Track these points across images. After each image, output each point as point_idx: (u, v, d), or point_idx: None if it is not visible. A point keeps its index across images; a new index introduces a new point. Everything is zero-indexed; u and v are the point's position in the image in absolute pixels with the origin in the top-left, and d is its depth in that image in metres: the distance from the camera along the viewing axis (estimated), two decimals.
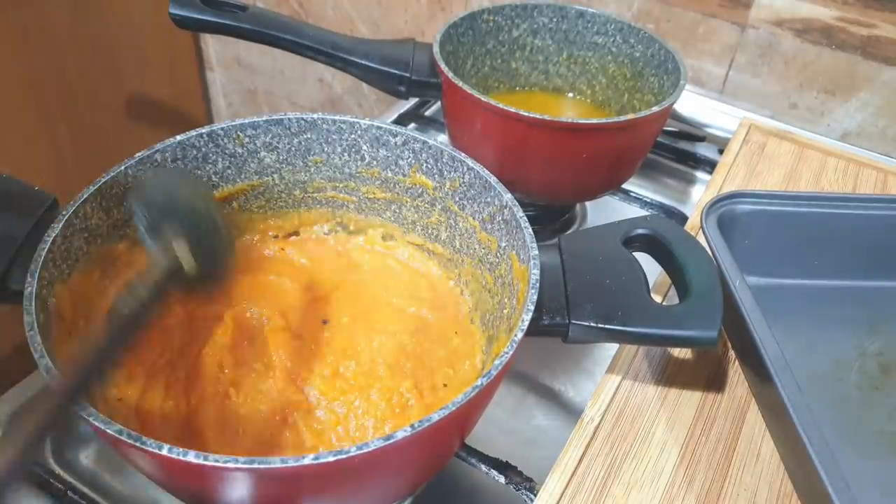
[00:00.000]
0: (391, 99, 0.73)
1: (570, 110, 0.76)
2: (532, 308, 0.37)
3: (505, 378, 0.37)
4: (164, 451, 0.30)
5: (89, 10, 1.03)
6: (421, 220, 0.52)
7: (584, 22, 0.72)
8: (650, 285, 0.43)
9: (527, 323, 0.36)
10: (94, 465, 0.48)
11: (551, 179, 0.62)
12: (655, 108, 0.58)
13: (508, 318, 0.43)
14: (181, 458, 0.29)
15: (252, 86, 1.30)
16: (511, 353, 0.35)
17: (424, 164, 0.49)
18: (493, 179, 0.45)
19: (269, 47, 0.65)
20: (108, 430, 0.30)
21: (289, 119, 0.49)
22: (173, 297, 0.41)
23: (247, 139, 0.49)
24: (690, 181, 0.80)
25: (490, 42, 0.73)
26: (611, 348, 0.50)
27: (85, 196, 0.41)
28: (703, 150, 0.81)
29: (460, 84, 0.58)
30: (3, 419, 0.48)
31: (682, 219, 0.70)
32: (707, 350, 0.49)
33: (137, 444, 0.30)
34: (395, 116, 0.83)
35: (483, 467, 0.47)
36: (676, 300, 0.43)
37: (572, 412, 0.55)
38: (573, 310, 0.41)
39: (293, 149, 0.50)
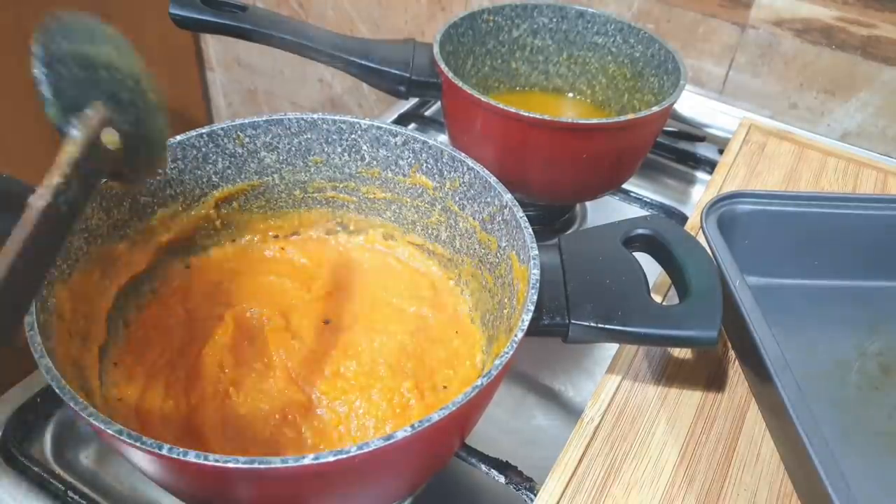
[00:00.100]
0: (391, 99, 0.73)
1: (570, 110, 0.76)
2: (532, 308, 0.37)
3: (505, 378, 0.37)
4: (164, 451, 0.30)
5: (89, 10, 1.03)
6: (421, 220, 0.52)
7: (584, 22, 0.72)
8: (650, 285, 0.43)
9: (527, 323, 0.36)
10: (94, 465, 0.48)
11: (551, 179, 0.62)
12: (655, 108, 0.58)
13: (508, 318, 0.43)
14: (181, 458, 0.29)
15: (252, 86, 1.30)
16: (511, 353, 0.35)
17: (424, 164, 0.49)
18: (493, 179, 0.45)
19: (269, 47, 0.65)
20: (108, 430, 0.30)
21: (289, 119, 0.49)
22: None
23: (247, 139, 0.49)
24: (690, 181, 0.80)
25: (490, 42, 0.73)
26: (611, 348, 0.50)
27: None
28: (703, 150, 0.81)
29: (460, 84, 0.58)
30: (3, 419, 0.48)
31: (682, 219, 0.70)
32: (707, 350, 0.49)
33: (137, 444, 0.30)
34: (395, 116, 0.83)
35: (483, 467, 0.47)
36: (676, 300, 0.43)
37: (572, 412, 0.55)
38: (573, 310, 0.41)
39: (293, 149, 0.50)
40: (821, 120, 0.79)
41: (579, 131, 0.58)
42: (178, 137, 0.46)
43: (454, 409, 0.32)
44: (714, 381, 0.47)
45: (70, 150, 0.27)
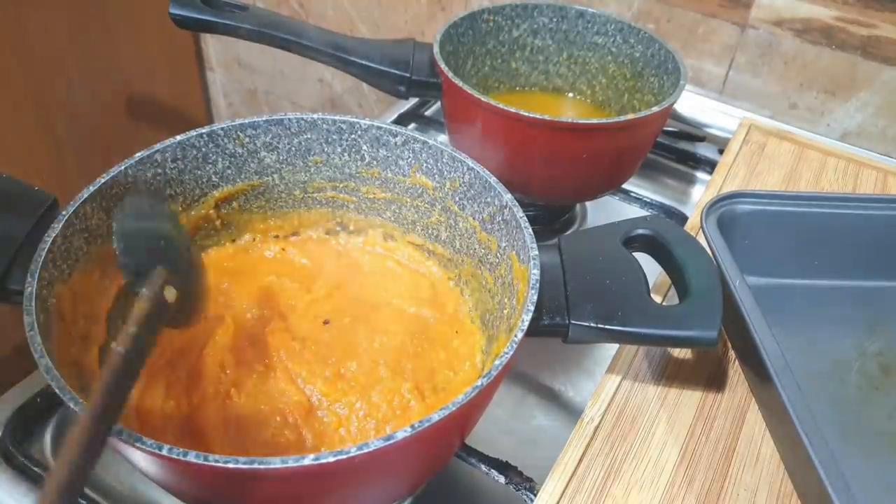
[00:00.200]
0: (391, 99, 0.73)
1: (570, 110, 0.76)
2: (532, 308, 0.37)
3: (505, 378, 0.37)
4: (164, 452, 0.30)
5: (89, 10, 1.03)
6: (421, 221, 0.52)
7: (584, 22, 0.72)
8: (650, 285, 0.43)
9: (527, 323, 0.36)
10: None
11: (551, 179, 0.62)
12: (655, 108, 0.58)
13: (508, 319, 0.43)
14: (181, 458, 0.30)
15: (252, 86, 1.30)
16: (511, 353, 0.35)
17: (424, 164, 0.49)
18: (492, 179, 0.45)
19: (269, 47, 0.65)
20: None
21: (289, 119, 0.49)
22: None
23: (247, 139, 0.49)
24: (690, 181, 0.80)
25: (490, 42, 0.73)
26: (611, 348, 0.50)
27: (85, 196, 0.41)
28: (703, 150, 0.81)
29: (460, 84, 0.58)
30: (3, 419, 0.48)
31: (682, 219, 0.70)
32: (707, 350, 0.49)
33: (137, 445, 0.30)
34: (395, 116, 0.83)
35: (483, 467, 0.47)
36: (676, 300, 0.43)
37: (572, 412, 0.55)
38: (573, 310, 0.41)
39: (293, 149, 0.50)
40: (821, 120, 0.79)
41: (579, 131, 0.58)
42: (178, 137, 0.46)
43: (454, 409, 0.32)
44: (714, 381, 0.47)
45: (142, 306, 0.34)
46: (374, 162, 0.51)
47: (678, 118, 0.82)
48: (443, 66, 0.61)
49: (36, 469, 0.46)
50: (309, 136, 0.50)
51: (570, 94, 0.77)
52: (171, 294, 0.36)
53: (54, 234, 0.39)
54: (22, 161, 1.02)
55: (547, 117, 0.56)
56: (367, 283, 0.51)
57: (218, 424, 0.41)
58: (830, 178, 0.66)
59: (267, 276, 0.51)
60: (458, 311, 0.50)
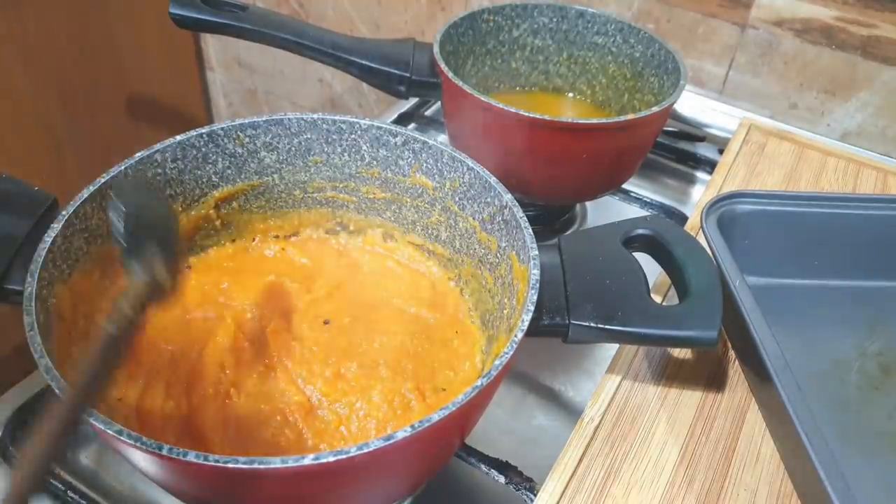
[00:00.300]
0: (391, 99, 0.73)
1: (570, 110, 0.76)
2: (532, 308, 0.37)
3: (505, 378, 0.37)
4: (164, 452, 0.30)
5: (89, 9, 1.03)
6: (421, 221, 0.52)
7: (585, 22, 0.72)
8: (650, 285, 0.43)
9: (527, 323, 0.36)
10: (94, 465, 0.48)
11: (551, 179, 0.62)
12: (655, 108, 0.58)
13: (508, 319, 0.43)
14: (181, 458, 0.30)
15: (252, 86, 1.30)
16: (511, 353, 0.35)
17: (424, 164, 0.49)
18: (493, 179, 0.45)
19: (269, 47, 0.65)
20: (108, 430, 0.30)
21: (289, 119, 0.49)
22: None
23: (247, 139, 0.49)
24: (690, 181, 0.80)
25: (490, 42, 0.73)
26: (611, 348, 0.50)
27: (85, 196, 0.41)
28: (703, 150, 0.81)
29: (460, 84, 0.58)
30: (3, 419, 0.48)
31: (682, 219, 0.70)
32: (707, 350, 0.49)
33: (137, 445, 0.30)
34: (395, 116, 0.83)
35: (483, 467, 0.47)
36: (676, 300, 0.43)
37: (572, 412, 0.55)
38: (573, 310, 0.41)
39: (293, 149, 0.50)
40: (821, 120, 0.79)
41: (579, 131, 0.58)
42: (178, 137, 0.46)
43: (454, 409, 0.32)
44: (714, 381, 0.47)
45: (139, 287, 0.34)
46: (374, 162, 0.51)
47: (678, 118, 0.82)
48: (443, 66, 0.61)
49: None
50: (309, 136, 0.50)
51: (570, 94, 0.77)
52: (162, 274, 0.36)
53: (54, 234, 0.39)
54: (22, 161, 1.02)
55: (547, 117, 0.56)
56: (367, 283, 0.51)
57: (218, 424, 0.41)
58: (830, 178, 0.66)
59: (267, 275, 0.51)
60: (458, 311, 0.50)
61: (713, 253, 0.48)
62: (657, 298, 0.47)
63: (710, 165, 0.78)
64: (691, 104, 0.83)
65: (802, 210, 0.53)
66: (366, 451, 0.30)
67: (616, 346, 0.49)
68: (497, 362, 0.34)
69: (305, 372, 0.44)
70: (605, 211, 0.74)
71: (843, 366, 0.50)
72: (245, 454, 0.31)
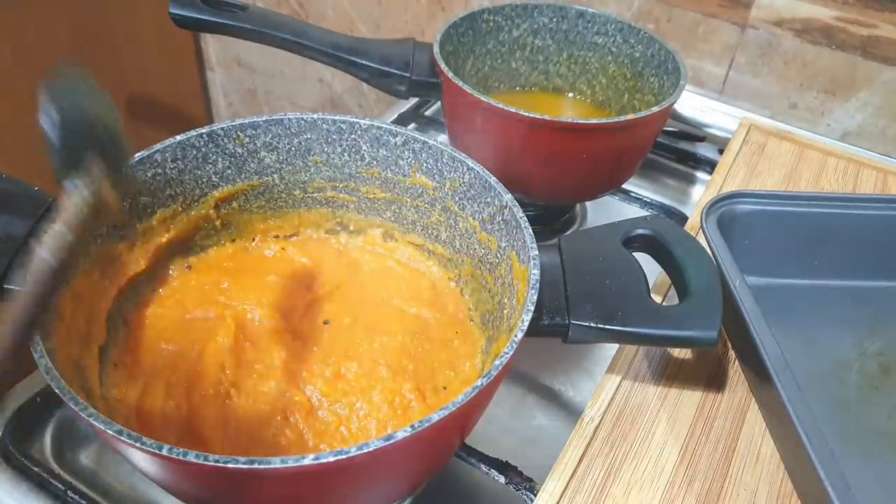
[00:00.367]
0: (391, 99, 0.73)
1: (570, 110, 0.76)
2: (532, 308, 0.37)
3: (505, 378, 0.37)
4: (164, 452, 0.30)
5: (89, 9, 1.03)
6: (421, 221, 0.52)
7: (585, 22, 0.72)
8: (650, 285, 0.43)
9: (527, 323, 0.36)
10: (94, 465, 0.48)
11: (551, 179, 0.62)
12: (655, 108, 0.58)
13: (508, 319, 0.43)
14: (181, 458, 0.29)
15: (252, 86, 1.30)
16: (511, 353, 0.35)
17: (424, 164, 0.49)
18: (493, 179, 0.45)
19: (269, 47, 0.65)
20: (108, 431, 0.30)
21: (289, 119, 0.49)
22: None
23: (247, 139, 0.49)
24: (690, 181, 0.80)
25: (490, 42, 0.73)
26: (611, 348, 0.50)
27: None
28: (703, 150, 0.81)
29: (460, 84, 0.58)
30: (3, 419, 0.48)
31: (682, 219, 0.70)
32: (707, 350, 0.49)
33: (137, 445, 0.30)
34: (395, 116, 0.83)
35: (483, 467, 0.47)
36: (676, 300, 0.43)
37: (572, 412, 0.55)
38: (573, 310, 0.41)
39: (293, 149, 0.50)
40: (821, 120, 0.79)
41: (579, 131, 0.58)
42: (178, 137, 0.46)
43: (454, 409, 0.32)
44: (714, 381, 0.47)
45: (78, 205, 0.29)
46: (374, 162, 0.51)
47: (678, 118, 0.82)
48: (443, 66, 0.61)
49: (36, 469, 0.46)
50: (309, 136, 0.50)
51: (570, 94, 0.77)
52: (108, 191, 0.31)
53: None
54: (22, 161, 1.02)
55: (547, 117, 0.56)
56: (368, 283, 0.51)
57: (218, 425, 0.41)
58: (830, 178, 0.66)
59: (267, 276, 0.51)
60: (458, 311, 0.50)
61: (713, 253, 0.48)
62: (657, 298, 0.47)
63: (710, 165, 0.78)
64: (691, 104, 0.83)
65: (802, 210, 0.53)
66: (366, 451, 0.30)
67: (616, 346, 0.49)
68: (497, 362, 0.34)
69: (305, 372, 0.44)
70: (605, 211, 0.74)
71: (843, 366, 0.50)
72: (245, 454, 0.31)
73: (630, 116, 0.57)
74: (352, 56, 0.65)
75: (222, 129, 0.48)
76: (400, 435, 0.30)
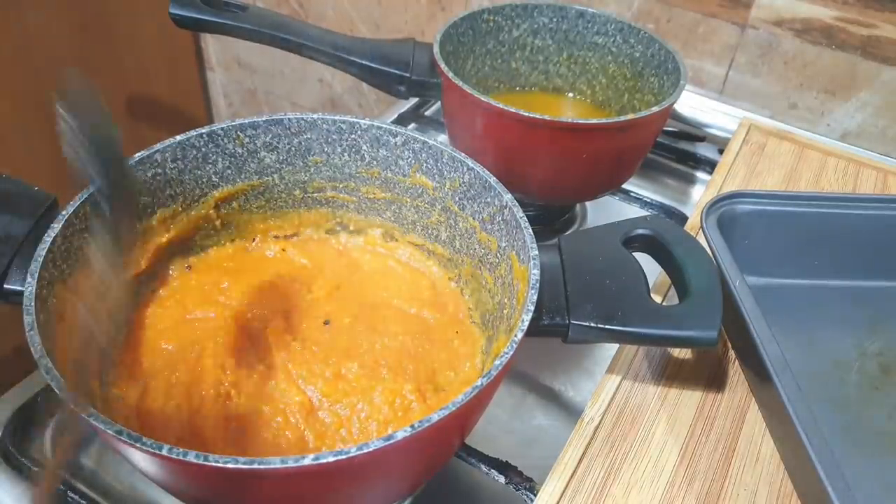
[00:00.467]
0: (391, 99, 0.73)
1: (570, 110, 0.76)
2: (532, 308, 0.37)
3: (505, 378, 0.37)
4: (164, 452, 0.30)
5: (89, 9, 1.03)
6: (421, 221, 0.52)
7: (584, 22, 0.72)
8: (650, 285, 0.43)
9: (527, 323, 0.36)
10: (94, 465, 0.48)
11: (551, 179, 0.62)
12: (655, 108, 0.58)
13: (508, 319, 0.43)
14: (181, 458, 0.29)
15: (252, 86, 1.30)
16: (511, 353, 0.35)
17: (424, 165, 0.49)
18: (493, 179, 0.45)
19: (270, 47, 0.65)
20: (108, 431, 0.30)
21: (289, 119, 0.49)
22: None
23: (247, 139, 0.49)
24: (690, 181, 0.80)
25: (490, 42, 0.73)
26: (611, 348, 0.50)
27: (85, 196, 0.41)
28: (703, 150, 0.81)
29: (460, 84, 0.58)
30: (3, 419, 0.48)
31: (682, 219, 0.70)
32: (707, 350, 0.49)
33: (137, 445, 0.30)
34: (395, 116, 0.83)
35: (483, 467, 0.47)
36: (676, 300, 0.43)
37: (572, 412, 0.55)
38: (573, 310, 0.41)
39: (293, 149, 0.50)
40: (821, 120, 0.79)
41: (579, 131, 0.58)
42: (178, 137, 0.46)
43: (454, 409, 0.32)
44: (714, 381, 0.47)
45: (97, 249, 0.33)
46: (374, 162, 0.51)
47: (678, 118, 0.82)
48: (443, 66, 0.61)
49: (36, 469, 0.46)
50: (309, 136, 0.50)
51: (570, 94, 0.77)
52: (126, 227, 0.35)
53: (54, 234, 0.39)
54: (22, 161, 1.02)
55: (547, 117, 0.55)
56: (368, 284, 0.51)
57: (218, 425, 0.41)
58: (830, 178, 0.66)
59: (267, 276, 0.51)
60: (458, 312, 0.50)
61: (713, 253, 0.48)
62: (657, 298, 0.47)
63: (710, 165, 0.78)
64: (691, 104, 0.83)
65: (802, 210, 0.53)
66: (366, 451, 0.30)
67: (616, 346, 0.49)
68: (497, 362, 0.34)
69: (306, 372, 0.44)
70: (605, 211, 0.74)
71: (843, 366, 0.50)
72: (245, 454, 0.31)
73: (630, 116, 0.57)
74: (352, 56, 0.65)
75: (222, 129, 0.48)
76: (400, 435, 0.30)
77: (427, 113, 0.86)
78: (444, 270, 0.52)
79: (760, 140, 0.70)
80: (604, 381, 0.47)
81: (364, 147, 0.50)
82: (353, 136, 0.50)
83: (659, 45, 0.67)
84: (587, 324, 0.41)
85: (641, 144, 0.63)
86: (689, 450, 0.43)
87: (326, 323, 0.48)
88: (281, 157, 0.50)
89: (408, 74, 0.65)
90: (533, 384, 0.57)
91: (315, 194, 0.53)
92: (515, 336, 0.36)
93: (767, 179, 0.65)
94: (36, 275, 0.37)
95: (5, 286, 0.40)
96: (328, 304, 0.49)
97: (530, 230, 0.42)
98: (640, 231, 0.46)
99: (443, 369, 0.46)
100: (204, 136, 0.47)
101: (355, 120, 0.49)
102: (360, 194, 0.53)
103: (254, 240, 0.53)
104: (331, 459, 0.30)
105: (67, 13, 1.00)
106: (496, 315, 0.46)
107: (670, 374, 0.47)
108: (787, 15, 0.75)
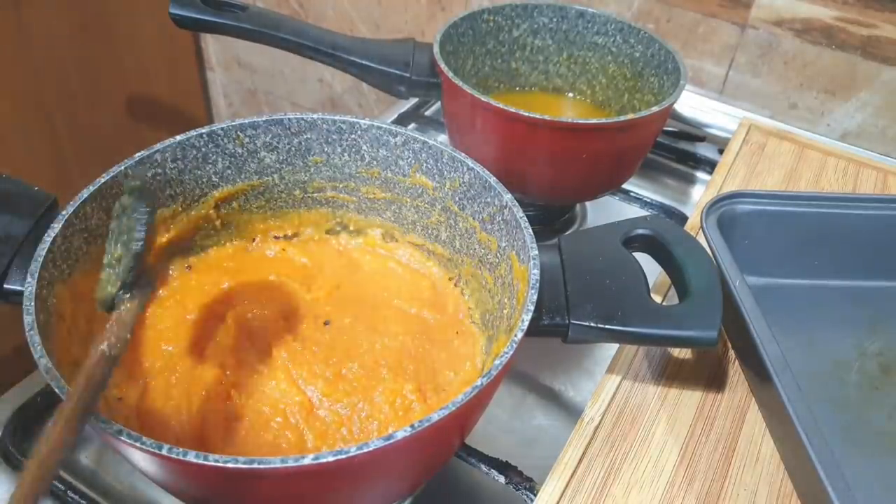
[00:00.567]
0: (391, 99, 0.73)
1: (570, 110, 0.76)
2: (532, 308, 0.37)
3: (505, 378, 0.37)
4: (164, 451, 0.30)
5: (89, 9, 1.03)
6: (421, 221, 0.52)
7: (584, 22, 0.72)
8: (650, 285, 0.43)
9: (527, 323, 0.36)
10: (94, 465, 0.48)
11: (551, 179, 0.62)
12: (655, 108, 0.58)
13: (508, 318, 0.43)
14: (181, 458, 0.29)
15: (252, 86, 1.30)
16: (511, 353, 0.35)
17: (424, 165, 0.49)
18: (493, 179, 0.45)
19: (269, 47, 0.65)
20: (108, 430, 0.30)
21: (289, 119, 0.49)
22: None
23: (247, 139, 0.49)
24: (690, 181, 0.80)
25: (490, 42, 0.73)
26: (611, 348, 0.50)
27: (85, 196, 0.41)
28: (703, 150, 0.81)
29: (460, 84, 0.58)
30: (3, 419, 0.48)
31: (682, 219, 0.70)
32: (707, 350, 0.49)
33: (137, 445, 0.30)
34: (395, 116, 0.83)
35: (483, 467, 0.47)
36: (676, 300, 0.43)
37: (572, 412, 0.55)
38: (573, 310, 0.41)
39: (293, 149, 0.50)
40: (821, 120, 0.79)
41: (579, 131, 0.58)
42: (178, 137, 0.46)
43: (454, 409, 0.32)
44: (714, 381, 0.47)
45: (131, 311, 0.36)
46: (374, 162, 0.51)
47: (678, 118, 0.82)
48: (443, 66, 0.61)
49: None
50: (309, 136, 0.50)
51: (570, 94, 0.77)
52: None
53: (54, 234, 0.39)
54: (22, 161, 1.02)
55: (547, 117, 0.56)
56: (368, 284, 0.51)
57: (218, 425, 0.41)
58: (830, 178, 0.66)
59: (267, 276, 0.51)
60: (458, 312, 0.50)
61: (713, 253, 0.48)
62: (657, 298, 0.47)
63: (710, 165, 0.78)
64: (691, 104, 0.83)
65: (802, 210, 0.53)
66: (366, 450, 0.30)
67: (616, 346, 0.49)
68: (497, 362, 0.34)
69: (306, 372, 0.44)
70: (605, 211, 0.74)
71: (843, 366, 0.50)
72: (245, 454, 0.31)
73: (630, 116, 0.57)
74: (352, 56, 0.65)
75: (222, 129, 0.48)
76: (400, 435, 0.30)
77: (427, 113, 0.86)
78: (444, 270, 0.52)
79: (760, 140, 0.70)
80: (604, 381, 0.47)
81: (364, 147, 0.50)
82: (353, 136, 0.50)
83: (659, 45, 0.67)
84: (587, 324, 0.41)
85: (641, 144, 0.63)
86: (689, 450, 0.43)
87: (327, 323, 0.48)
88: (281, 157, 0.50)
89: (408, 74, 0.65)
90: (533, 384, 0.57)
91: (315, 194, 0.53)
92: (515, 336, 0.36)
93: (767, 179, 0.65)
94: (36, 275, 0.37)
95: (5, 286, 0.40)
96: (328, 304, 0.49)
97: (530, 230, 0.42)
98: (640, 231, 0.46)
99: (443, 369, 0.46)
100: (204, 136, 0.47)
101: (355, 120, 0.49)
102: (360, 194, 0.53)
103: (254, 240, 0.53)
104: (331, 459, 0.30)
105: (67, 13, 1.00)
106: (496, 315, 0.46)
107: (670, 374, 0.47)
108: (787, 15, 0.75)
